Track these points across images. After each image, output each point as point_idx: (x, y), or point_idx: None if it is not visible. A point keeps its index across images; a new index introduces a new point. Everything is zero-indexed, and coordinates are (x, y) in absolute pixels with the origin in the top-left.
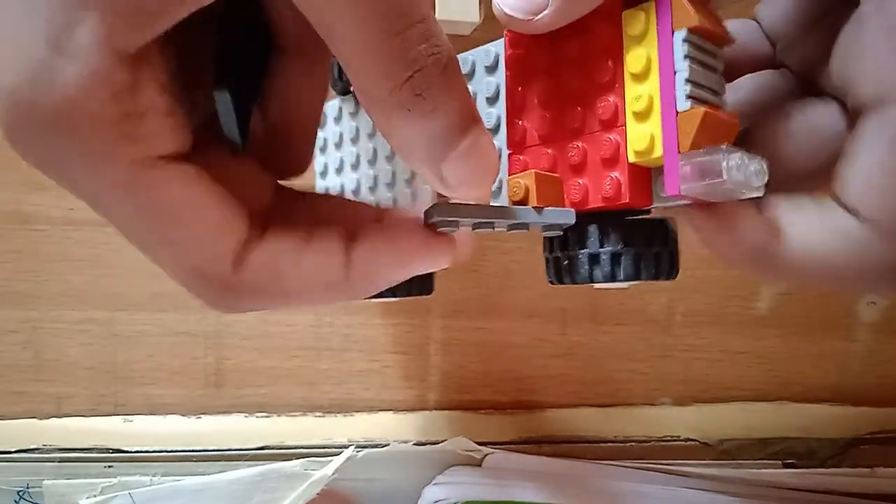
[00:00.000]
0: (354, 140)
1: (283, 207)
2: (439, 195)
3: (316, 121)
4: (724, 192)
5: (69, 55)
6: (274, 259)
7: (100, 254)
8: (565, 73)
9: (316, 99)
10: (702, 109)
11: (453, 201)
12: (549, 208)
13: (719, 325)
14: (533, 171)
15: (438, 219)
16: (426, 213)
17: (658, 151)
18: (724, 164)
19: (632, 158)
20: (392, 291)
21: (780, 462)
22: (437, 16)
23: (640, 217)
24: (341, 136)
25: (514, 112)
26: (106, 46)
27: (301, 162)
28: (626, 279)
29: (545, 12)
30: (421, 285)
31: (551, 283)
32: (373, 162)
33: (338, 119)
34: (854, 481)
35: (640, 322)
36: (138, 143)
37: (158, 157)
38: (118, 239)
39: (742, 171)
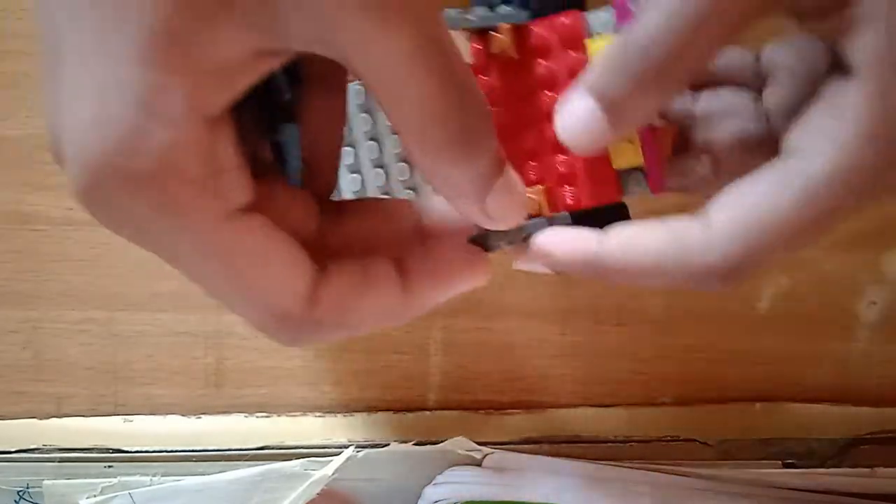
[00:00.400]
0: (375, 135)
1: (329, 229)
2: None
3: (340, 142)
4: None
5: (161, 119)
6: (342, 294)
7: (100, 254)
8: (538, 94)
9: (339, 121)
10: (674, 126)
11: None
12: (559, 214)
13: (719, 325)
14: (540, 186)
15: (495, 243)
16: (476, 238)
17: (639, 160)
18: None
19: (616, 165)
20: None
21: (779, 462)
22: None
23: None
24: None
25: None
26: (196, 110)
27: (330, 184)
28: None
29: (599, 142)
30: None
31: None
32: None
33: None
34: (854, 481)
35: (640, 322)
36: (221, 199)
37: (237, 210)
38: (118, 239)
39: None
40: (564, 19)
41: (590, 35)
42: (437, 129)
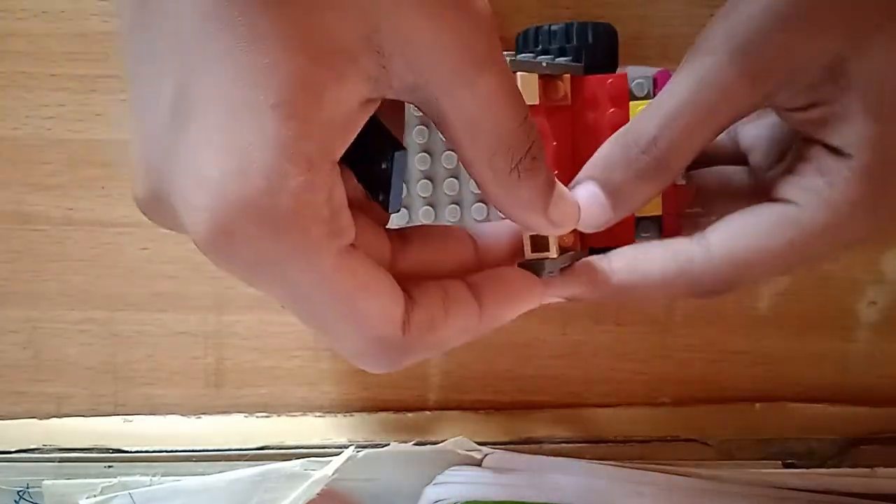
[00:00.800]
0: (430, 174)
1: (399, 258)
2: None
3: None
4: None
5: (301, 164)
6: (430, 316)
7: (100, 254)
8: (581, 142)
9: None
10: (693, 185)
11: (552, 256)
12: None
13: (719, 325)
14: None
15: (549, 270)
16: (529, 264)
17: (658, 210)
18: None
19: (638, 213)
20: None
21: (780, 462)
22: None
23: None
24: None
25: None
26: (326, 158)
27: (394, 205)
28: None
29: (604, 224)
30: None
31: None
32: (458, 198)
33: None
34: (854, 481)
35: (640, 322)
36: (339, 237)
37: (349, 246)
38: (118, 239)
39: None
40: (612, 79)
41: (632, 97)
42: (511, 154)
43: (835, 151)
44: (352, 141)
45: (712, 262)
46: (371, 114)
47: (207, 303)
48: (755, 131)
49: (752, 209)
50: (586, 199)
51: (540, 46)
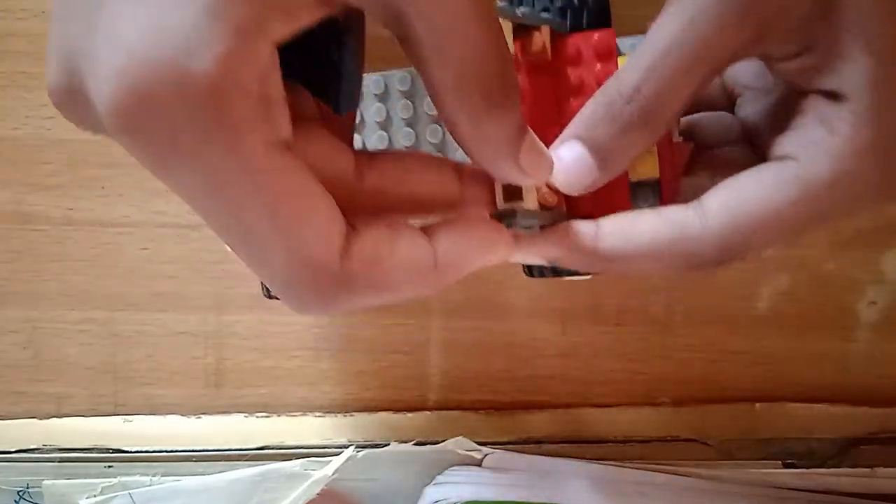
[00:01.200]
0: (411, 121)
1: (367, 180)
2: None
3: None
4: None
5: (228, 26)
6: (374, 248)
7: (100, 254)
8: (565, 100)
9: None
10: (690, 143)
11: (527, 207)
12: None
13: (719, 325)
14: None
15: (525, 224)
16: (498, 214)
17: (656, 173)
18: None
19: (633, 176)
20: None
21: (779, 462)
22: None
23: None
24: (388, 113)
25: None
26: (259, 31)
27: (346, 105)
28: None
29: (591, 188)
30: None
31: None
32: (442, 146)
33: (382, 97)
34: (854, 481)
35: (640, 322)
36: (269, 126)
37: (283, 143)
38: (118, 239)
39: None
40: (598, 35)
41: (620, 53)
42: (480, 82)
43: (833, 97)
44: (297, 30)
45: (710, 230)
46: (326, 13)
47: (207, 303)
48: (739, 75)
49: (751, 171)
50: (570, 159)
51: (523, 4)
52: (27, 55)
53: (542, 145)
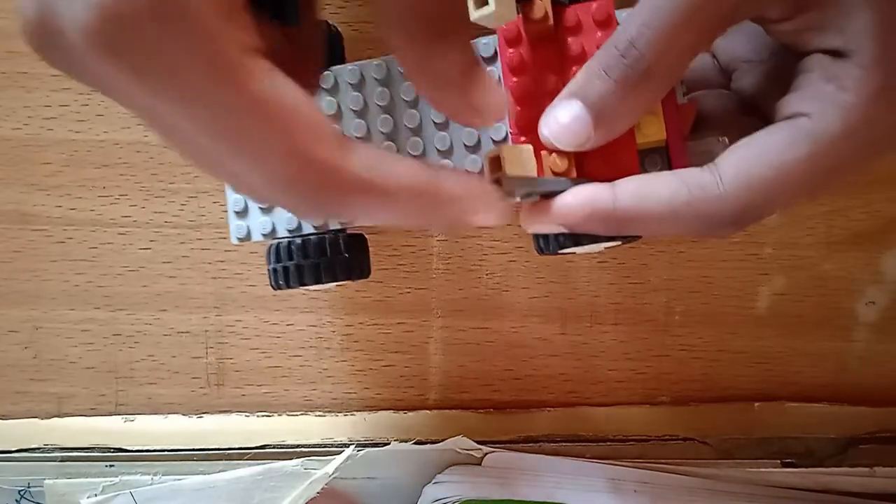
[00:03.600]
0: (388, 108)
1: None
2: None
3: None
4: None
5: None
6: (373, 158)
7: (100, 254)
8: (567, 68)
9: None
10: (694, 103)
11: (526, 175)
12: (581, 179)
13: (718, 324)
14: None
15: (516, 189)
16: (498, 179)
17: (662, 135)
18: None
19: (640, 139)
20: None
21: (778, 461)
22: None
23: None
24: (365, 102)
25: (519, 100)
26: None
27: (316, 76)
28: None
29: (587, 145)
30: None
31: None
32: (419, 130)
33: (358, 86)
34: (853, 481)
35: (639, 322)
36: (242, 32)
37: (254, 49)
38: (119, 238)
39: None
40: (597, 3)
41: (618, 22)
42: (429, 9)
43: (837, 54)
44: None
45: (726, 190)
46: None
47: (208, 302)
48: (734, 49)
49: (763, 131)
50: (566, 116)
51: None
52: (27, 55)
53: (495, 83)
